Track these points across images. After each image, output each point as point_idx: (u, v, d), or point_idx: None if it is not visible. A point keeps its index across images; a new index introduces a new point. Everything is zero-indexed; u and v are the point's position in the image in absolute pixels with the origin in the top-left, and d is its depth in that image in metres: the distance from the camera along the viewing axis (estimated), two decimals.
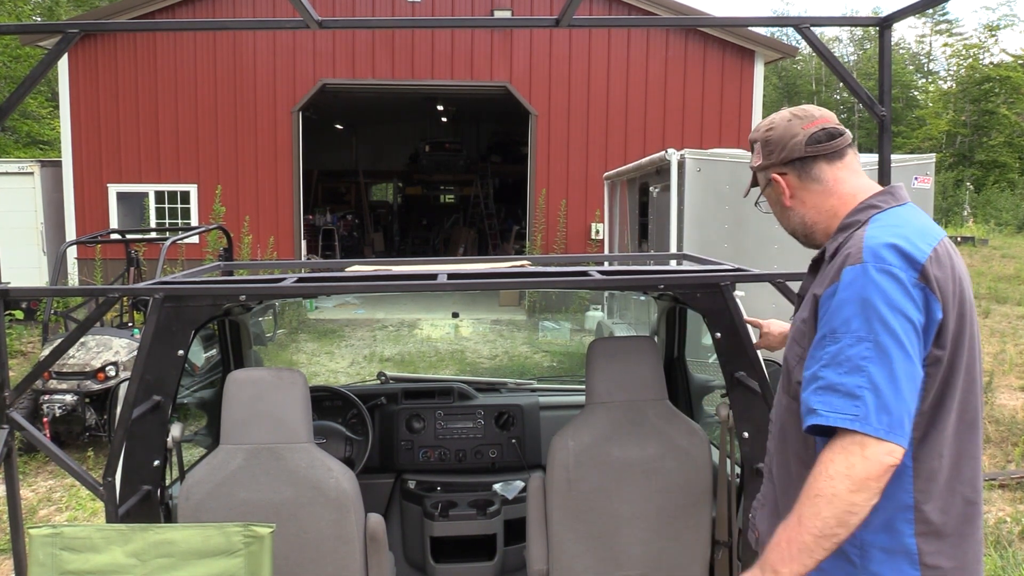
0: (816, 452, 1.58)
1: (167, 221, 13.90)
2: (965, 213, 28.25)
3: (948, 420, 1.56)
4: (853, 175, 1.73)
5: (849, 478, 1.41)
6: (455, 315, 11.92)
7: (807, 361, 1.56)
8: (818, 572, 1.55)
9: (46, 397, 6.14)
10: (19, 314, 11.24)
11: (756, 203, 1.93)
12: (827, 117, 1.76)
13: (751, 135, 1.86)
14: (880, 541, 1.55)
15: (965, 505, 1.58)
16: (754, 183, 1.89)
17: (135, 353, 2.73)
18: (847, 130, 1.79)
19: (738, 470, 2.70)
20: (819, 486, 1.43)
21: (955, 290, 1.54)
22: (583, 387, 2.97)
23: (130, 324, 7.59)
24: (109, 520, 2.31)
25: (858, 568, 1.57)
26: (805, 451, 1.64)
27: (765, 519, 1.83)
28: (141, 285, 2.49)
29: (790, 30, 3.33)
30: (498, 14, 13.66)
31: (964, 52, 35.68)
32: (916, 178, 6.96)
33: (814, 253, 1.84)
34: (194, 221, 13.84)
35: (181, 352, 2.41)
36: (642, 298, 6.74)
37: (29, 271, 13.17)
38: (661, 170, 7.34)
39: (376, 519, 2.54)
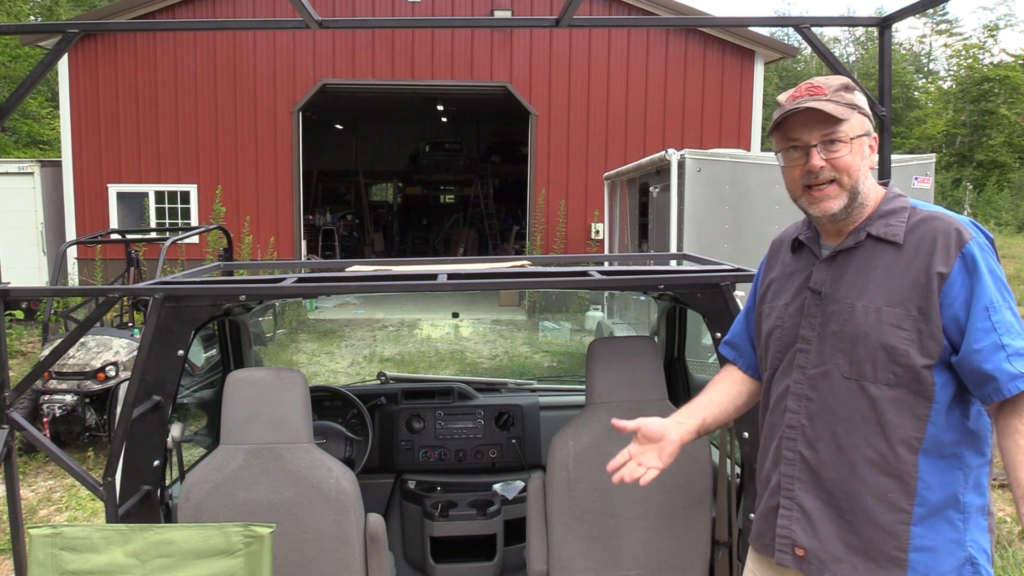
0: (927, 432, 1.63)
1: (167, 221, 13.90)
2: (965, 213, 28.27)
3: None
4: None
5: None
6: (455, 315, 11.93)
7: (973, 334, 1.59)
8: (926, 552, 1.63)
9: (46, 397, 6.13)
10: (19, 314, 11.24)
11: (830, 136, 1.70)
12: None
13: (845, 82, 1.74)
14: (976, 500, 1.66)
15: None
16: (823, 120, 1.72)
17: (135, 353, 2.73)
18: None
19: (738, 470, 2.70)
20: None
21: None
22: (583, 387, 2.97)
23: (130, 324, 7.59)
24: (109, 520, 2.31)
25: (961, 532, 1.65)
26: (914, 435, 1.64)
27: (812, 533, 1.74)
28: (141, 285, 2.49)
29: (790, 30, 3.33)
30: (498, 14, 13.66)
31: (964, 52, 35.66)
32: (916, 178, 6.96)
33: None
34: (194, 221, 13.83)
35: (181, 352, 2.41)
36: (642, 298, 6.74)
37: (29, 271, 13.17)
38: (661, 170, 7.34)
39: (376, 519, 2.54)
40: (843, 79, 1.76)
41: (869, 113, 1.75)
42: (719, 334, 2.47)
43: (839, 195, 1.71)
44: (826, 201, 1.72)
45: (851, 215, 1.74)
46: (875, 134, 1.76)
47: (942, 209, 1.70)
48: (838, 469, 1.70)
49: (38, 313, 10.17)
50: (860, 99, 1.74)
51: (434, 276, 2.55)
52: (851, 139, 1.69)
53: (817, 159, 1.70)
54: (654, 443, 1.86)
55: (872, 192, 1.75)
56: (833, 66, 2.59)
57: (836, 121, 1.68)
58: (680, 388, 3.58)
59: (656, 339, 3.58)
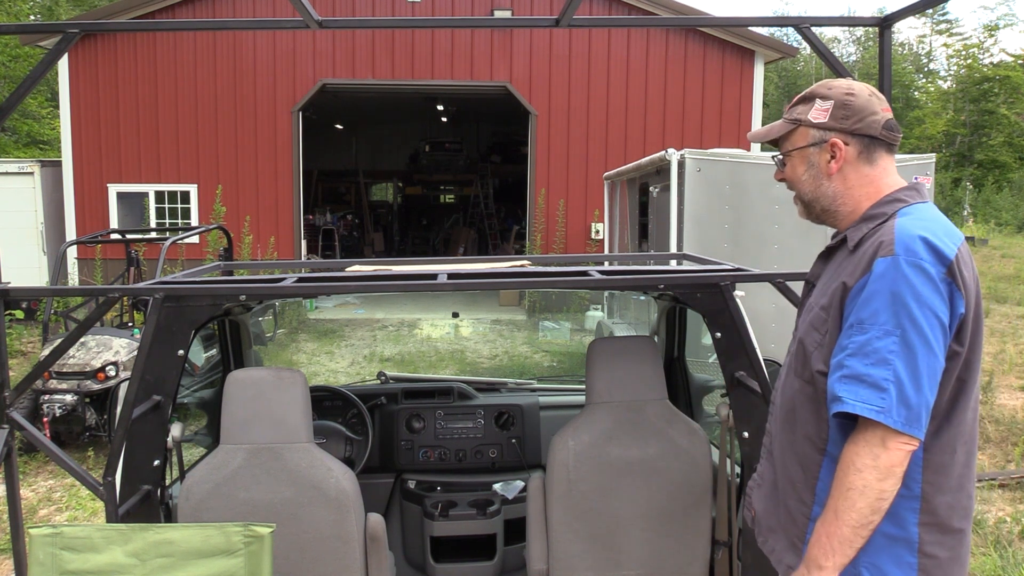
0: (829, 435, 1.64)
1: (167, 221, 13.90)
2: (965, 213, 28.24)
3: (964, 416, 1.61)
4: (894, 172, 1.76)
5: (876, 468, 1.49)
6: (455, 315, 11.93)
7: (834, 349, 1.60)
8: None
9: (46, 397, 6.13)
10: (19, 314, 11.24)
11: (776, 158, 1.85)
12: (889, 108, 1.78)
13: (818, 90, 1.75)
14: (884, 528, 1.59)
15: (968, 501, 1.64)
16: (774, 139, 1.83)
17: (135, 353, 2.73)
18: None
19: (738, 470, 2.70)
20: (849, 480, 1.51)
21: (975, 290, 1.58)
22: (583, 387, 2.97)
23: (130, 324, 7.59)
24: (109, 520, 2.31)
25: (859, 552, 1.60)
26: (817, 434, 1.67)
27: (762, 498, 1.87)
28: (141, 285, 2.49)
29: (790, 30, 3.33)
30: (498, 14, 13.66)
31: (964, 52, 35.65)
32: (916, 178, 6.94)
33: (814, 248, 1.86)
34: (194, 221, 13.84)
35: (181, 352, 2.41)
36: (642, 298, 6.75)
37: (29, 271, 13.17)
38: (661, 170, 7.34)
39: (376, 519, 2.54)
40: (808, 91, 1.79)
41: (820, 122, 1.72)
42: (719, 334, 2.47)
43: (798, 203, 1.85)
44: (797, 208, 1.88)
45: (828, 218, 1.80)
46: (835, 139, 1.71)
47: (927, 218, 1.61)
48: (778, 449, 1.82)
49: (38, 313, 10.17)
50: (811, 110, 1.74)
51: (434, 276, 2.55)
52: (789, 153, 1.80)
53: (776, 173, 1.88)
54: None
55: (850, 196, 1.73)
56: (833, 66, 2.59)
57: (781, 139, 1.82)
58: (680, 388, 3.58)
59: (656, 339, 3.58)
